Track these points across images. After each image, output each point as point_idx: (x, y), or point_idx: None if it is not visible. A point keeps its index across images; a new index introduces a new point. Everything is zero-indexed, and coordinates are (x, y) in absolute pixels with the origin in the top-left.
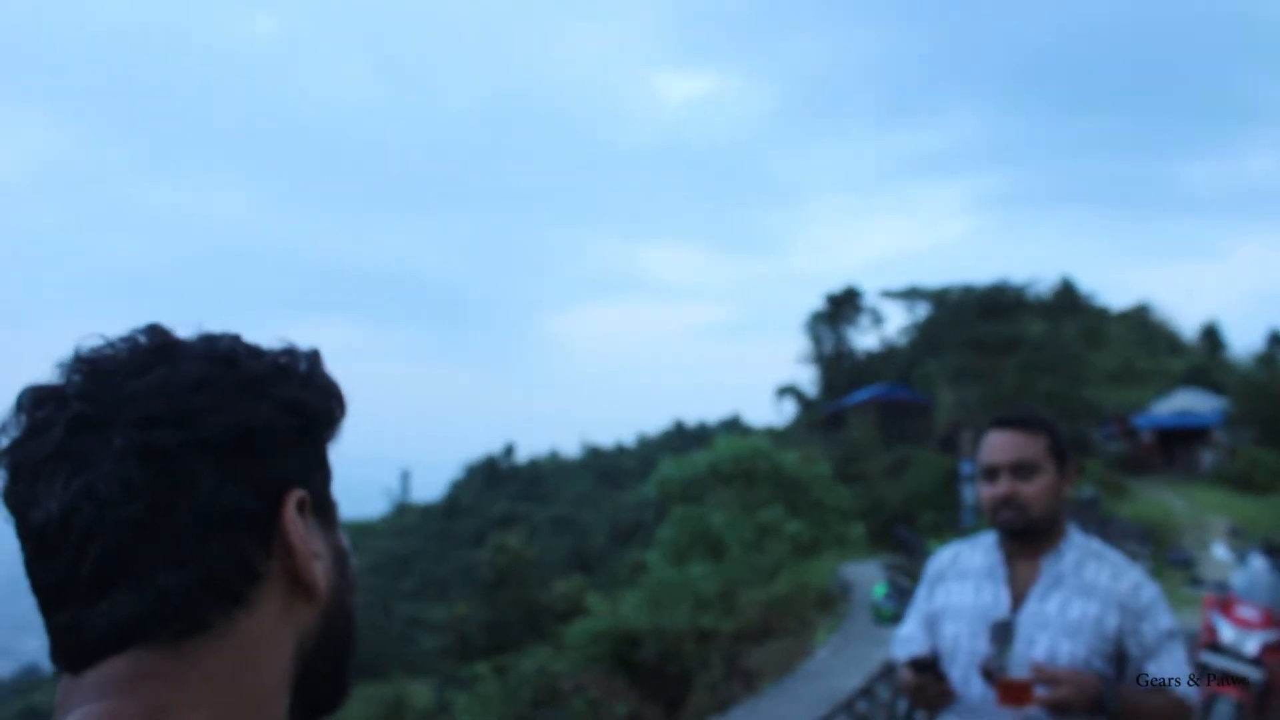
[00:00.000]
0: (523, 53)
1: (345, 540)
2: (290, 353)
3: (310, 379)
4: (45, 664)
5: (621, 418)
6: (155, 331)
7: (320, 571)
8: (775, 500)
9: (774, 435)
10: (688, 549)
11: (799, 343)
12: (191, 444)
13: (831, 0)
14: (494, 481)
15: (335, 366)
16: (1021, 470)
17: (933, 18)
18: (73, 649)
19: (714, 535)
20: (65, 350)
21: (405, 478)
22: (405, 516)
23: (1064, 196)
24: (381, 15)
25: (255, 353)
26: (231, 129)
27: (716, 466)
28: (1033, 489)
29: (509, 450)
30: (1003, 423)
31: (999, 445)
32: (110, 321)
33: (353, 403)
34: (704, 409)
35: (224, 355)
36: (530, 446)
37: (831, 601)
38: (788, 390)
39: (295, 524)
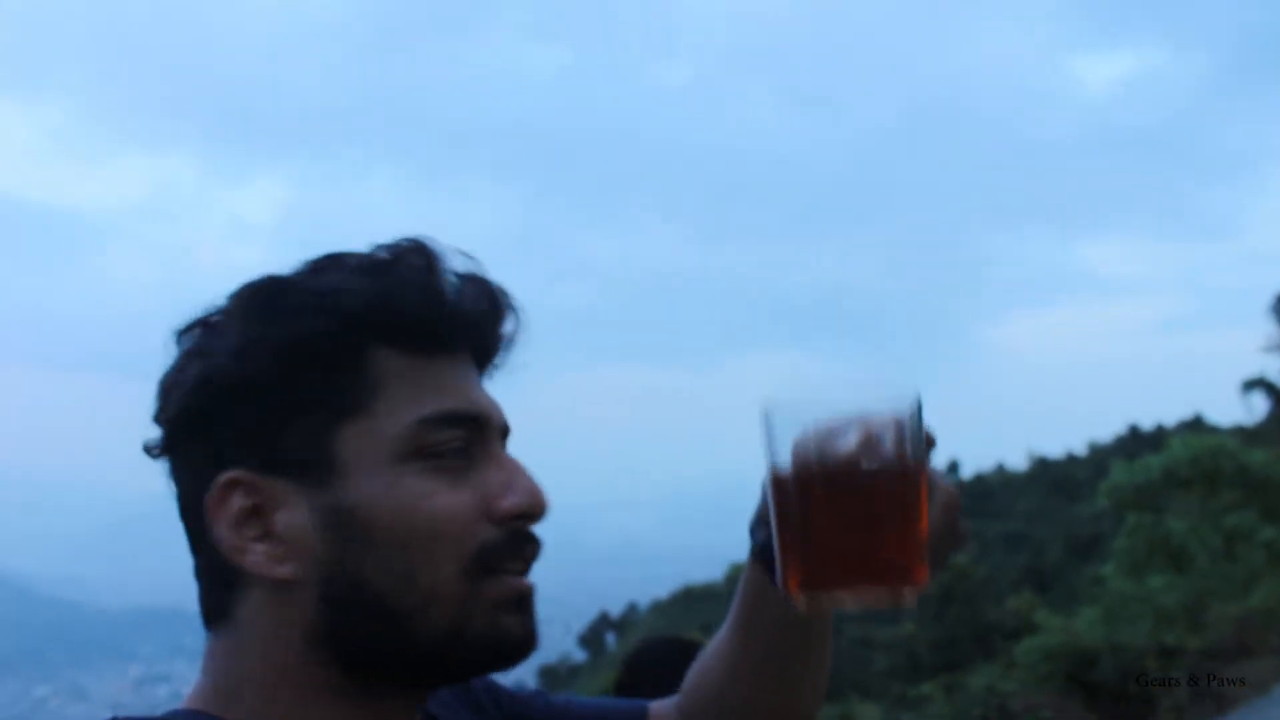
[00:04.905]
0: (929, 58)
1: (358, 491)
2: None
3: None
4: None
5: (1069, 425)
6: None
7: (258, 561)
8: (1245, 504)
9: (1243, 434)
10: (1145, 560)
11: (1265, 329)
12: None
13: None
14: None
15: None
16: None
17: None
18: None
19: (1174, 544)
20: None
21: None
22: None
23: None
24: (785, 46)
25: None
26: (656, 173)
27: (1172, 470)
28: None
29: (953, 466)
30: None
31: None
32: (563, 366)
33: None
34: (1160, 410)
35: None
36: (974, 461)
37: None
38: (1256, 383)
39: (217, 516)
